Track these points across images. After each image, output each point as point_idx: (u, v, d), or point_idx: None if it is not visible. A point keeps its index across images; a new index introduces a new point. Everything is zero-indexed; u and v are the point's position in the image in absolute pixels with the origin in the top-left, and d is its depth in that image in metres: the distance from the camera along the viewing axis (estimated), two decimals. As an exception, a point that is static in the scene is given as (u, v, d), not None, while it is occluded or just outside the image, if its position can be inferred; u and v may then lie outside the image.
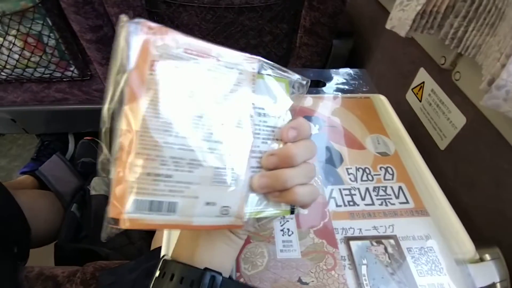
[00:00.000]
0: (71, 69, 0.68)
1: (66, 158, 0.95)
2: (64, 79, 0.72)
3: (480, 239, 0.34)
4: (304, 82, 0.26)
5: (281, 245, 0.32)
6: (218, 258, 0.25)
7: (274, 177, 0.22)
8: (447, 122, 0.50)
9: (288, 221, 0.34)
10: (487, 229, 0.42)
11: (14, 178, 1.07)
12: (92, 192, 0.87)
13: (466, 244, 0.33)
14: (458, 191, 0.47)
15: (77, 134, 1.11)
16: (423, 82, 0.58)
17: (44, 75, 0.70)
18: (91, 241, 0.79)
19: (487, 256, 0.33)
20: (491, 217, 0.41)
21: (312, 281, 0.30)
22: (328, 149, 0.42)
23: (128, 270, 0.52)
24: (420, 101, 0.58)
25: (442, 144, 0.51)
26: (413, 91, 0.61)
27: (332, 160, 0.41)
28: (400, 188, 0.38)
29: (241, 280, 0.30)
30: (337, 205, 0.36)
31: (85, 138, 1.08)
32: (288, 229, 0.34)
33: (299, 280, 0.30)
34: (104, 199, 0.88)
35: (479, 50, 0.38)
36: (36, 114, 0.85)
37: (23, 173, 0.92)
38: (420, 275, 0.31)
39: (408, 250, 0.33)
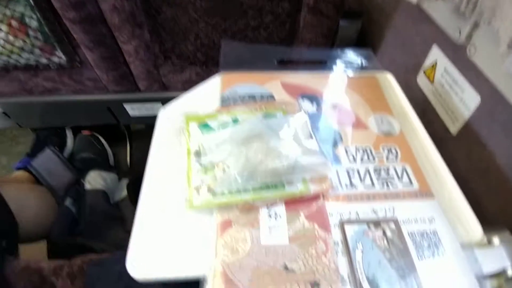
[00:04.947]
0: (57, 54, 0.67)
1: (59, 152, 0.96)
2: (51, 66, 0.71)
3: (490, 225, 0.32)
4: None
5: (266, 230, 0.31)
6: None
7: None
8: (460, 103, 0.48)
9: (276, 204, 0.33)
10: (499, 216, 0.40)
11: (12, 176, 1.09)
12: (87, 187, 0.88)
13: (472, 226, 0.31)
14: (470, 178, 0.45)
15: (75, 128, 1.12)
16: (436, 62, 0.55)
17: (29, 62, 0.69)
18: (87, 237, 0.79)
19: (496, 240, 0.30)
20: (503, 203, 0.39)
21: (300, 268, 0.28)
22: (325, 128, 0.40)
23: (115, 261, 0.52)
24: (432, 83, 0.56)
25: (454, 129, 0.49)
26: (424, 73, 0.59)
27: (330, 140, 0.39)
28: (404, 169, 0.36)
29: (218, 267, 0.29)
30: (333, 187, 0.34)
31: (83, 132, 1.09)
32: (275, 213, 0.32)
33: (285, 267, 0.29)
34: (100, 194, 0.88)
35: (494, 14, 0.36)
36: (28, 106, 0.86)
37: (18, 168, 0.94)
38: (421, 260, 0.29)
39: (410, 234, 0.31)
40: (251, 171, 0.32)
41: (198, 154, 0.36)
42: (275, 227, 0.31)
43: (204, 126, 0.38)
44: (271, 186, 0.33)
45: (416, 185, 0.35)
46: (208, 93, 0.46)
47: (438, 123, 0.53)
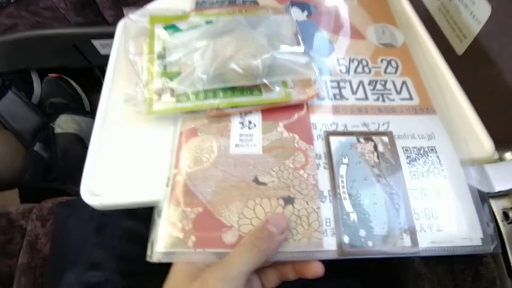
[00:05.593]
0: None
1: (27, 98, 0.90)
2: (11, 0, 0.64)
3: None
4: None
5: (237, 139, 0.26)
6: None
7: None
8: (470, 18, 0.43)
9: (251, 112, 0.28)
10: (505, 139, 0.36)
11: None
12: (58, 130, 0.82)
13: (483, 142, 0.27)
14: (474, 100, 0.41)
15: (41, 72, 1.03)
16: (446, -29, 0.49)
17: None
18: (61, 182, 0.76)
19: (509, 155, 0.26)
20: (510, 125, 0.35)
21: (272, 181, 0.24)
22: (316, 37, 0.35)
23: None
24: (439, -3, 0.50)
25: (461, 48, 0.44)
26: (431, -13, 0.53)
27: (319, 49, 0.33)
28: (404, 82, 0.31)
29: (178, 178, 0.24)
30: (319, 98, 0.29)
31: (50, 75, 1.01)
32: (249, 121, 0.27)
33: (255, 180, 0.24)
34: (73, 137, 0.83)
35: None
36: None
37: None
38: (414, 178, 0.25)
39: (404, 149, 0.26)
40: (218, 68, 0.26)
41: (161, 56, 0.30)
42: (247, 136, 0.26)
43: (172, 27, 0.32)
44: (245, 91, 0.28)
45: (416, 99, 0.30)
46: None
47: (443, 44, 0.47)
